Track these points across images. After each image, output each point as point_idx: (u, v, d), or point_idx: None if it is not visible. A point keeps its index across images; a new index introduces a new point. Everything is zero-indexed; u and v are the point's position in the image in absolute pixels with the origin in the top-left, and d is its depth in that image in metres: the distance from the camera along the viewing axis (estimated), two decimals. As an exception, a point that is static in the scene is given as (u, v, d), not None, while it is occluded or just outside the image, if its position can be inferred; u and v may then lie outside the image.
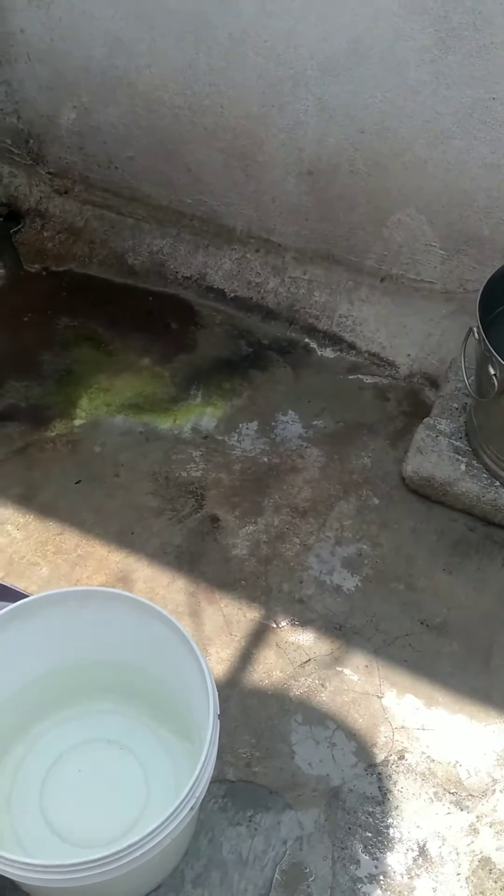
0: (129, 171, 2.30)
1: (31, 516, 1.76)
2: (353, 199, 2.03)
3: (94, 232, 2.41)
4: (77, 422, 1.96)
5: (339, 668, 1.56)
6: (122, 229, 2.40)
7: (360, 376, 2.11)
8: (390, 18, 1.71)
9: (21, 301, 2.27)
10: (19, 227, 2.44)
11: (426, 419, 1.88)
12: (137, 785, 1.31)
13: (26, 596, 1.52)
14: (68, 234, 2.42)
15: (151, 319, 2.24)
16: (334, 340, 2.18)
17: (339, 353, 2.16)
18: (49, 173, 2.43)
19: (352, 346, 2.16)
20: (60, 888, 1.05)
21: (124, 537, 1.74)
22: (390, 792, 1.40)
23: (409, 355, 2.12)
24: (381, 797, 1.39)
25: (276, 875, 1.30)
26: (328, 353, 2.17)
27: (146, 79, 2.07)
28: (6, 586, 1.58)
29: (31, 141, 2.38)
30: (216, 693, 1.14)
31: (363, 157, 1.94)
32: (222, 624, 1.61)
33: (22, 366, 2.09)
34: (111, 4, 1.97)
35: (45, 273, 2.36)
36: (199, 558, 1.71)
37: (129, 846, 1.00)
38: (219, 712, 1.13)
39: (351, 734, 1.47)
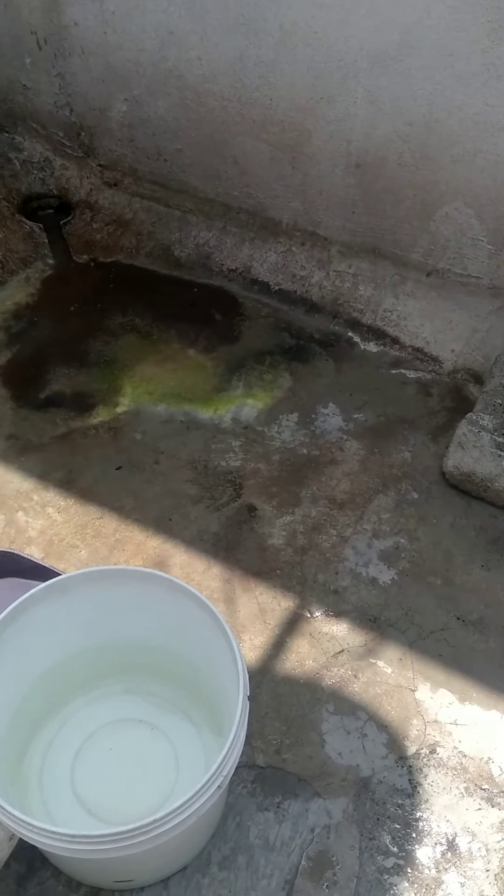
0: (178, 164, 2.32)
1: (72, 500, 1.79)
2: (400, 192, 2.02)
3: (142, 224, 2.44)
4: (119, 409, 1.99)
5: (373, 660, 1.55)
6: (169, 221, 2.42)
7: (403, 371, 2.10)
8: (442, 10, 1.70)
9: (69, 292, 2.30)
10: (69, 218, 2.48)
11: (469, 414, 1.85)
12: (167, 765, 1.32)
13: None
14: (117, 225, 2.45)
15: (196, 310, 2.26)
16: (378, 335, 2.17)
17: (382, 347, 2.15)
18: (99, 165, 2.46)
19: (395, 341, 2.15)
20: (88, 860, 1.06)
21: (162, 523, 1.76)
22: (420, 785, 1.39)
23: (453, 351, 2.10)
24: (410, 790, 1.38)
25: (302, 862, 1.30)
26: (371, 347, 2.16)
27: (196, 71, 2.08)
28: (45, 567, 1.60)
29: (83, 133, 2.42)
30: (246, 673, 1.14)
31: (411, 149, 1.93)
32: (257, 612, 1.61)
33: (68, 354, 2.12)
34: (164, -3, 1.99)
35: (93, 264, 2.40)
36: (235, 546, 1.72)
37: (157, 820, 1.01)
38: (248, 693, 1.13)
39: (382, 726, 1.46)
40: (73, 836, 1.01)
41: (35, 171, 2.51)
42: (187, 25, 2.01)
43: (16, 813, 1.01)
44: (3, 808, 1.03)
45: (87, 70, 2.26)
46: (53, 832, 1.00)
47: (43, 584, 1.24)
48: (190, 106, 2.16)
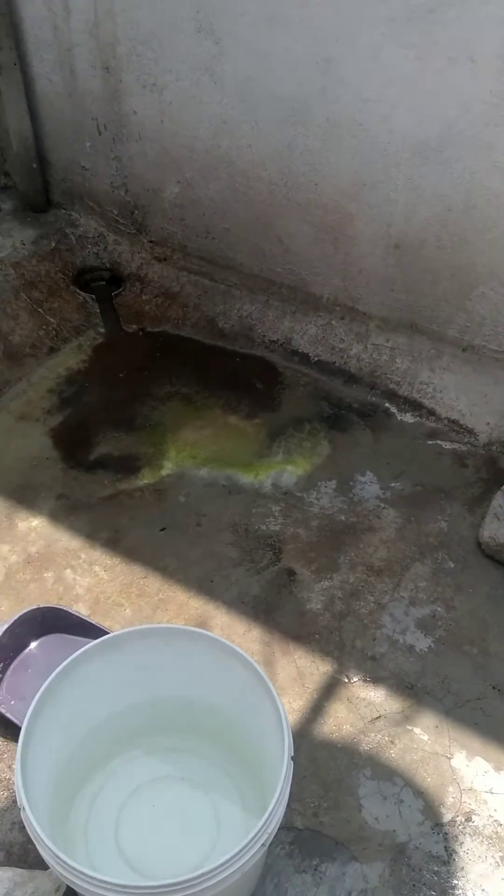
0: (225, 242, 2.45)
1: (118, 559, 1.85)
2: (438, 272, 2.11)
3: (189, 296, 2.56)
4: (164, 472, 2.07)
5: (410, 727, 1.57)
6: (214, 295, 2.54)
7: (438, 442, 2.17)
8: (481, 106, 1.82)
9: (119, 359, 2.42)
10: (120, 290, 2.61)
11: (504, 486, 1.91)
12: (208, 824, 1.35)
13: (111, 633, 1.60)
14: (165, 297, 2.58)
15: (238, 379, 2.35)
16: (414, 406, 2.24)
17: (418, 418, 2.22)
18: (150, 242, 2.60)
19: (431, 413, 2.22)
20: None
21: (204, 584, 1.81)
22: (456, 853, 1.40)
23: (488, 423, 2.16)
24: (446, 857, 1.39)
25: (339, 927, 1.31)
26: (408, 417, 2.23)
27: (246, 157, 2.22)
28: (92, 623, 1.67)
29: (136, 212, 2.56)
30: (290, 735, 1.19)
31: (449, 232, 2.03)
32: (295, 675, 1.65)
33: (116, 418, 2.21)
34: (219, 90, 2.14)
35: (141, 333, 2.51)
36: (274, 609, 1.77)
37: (203, 874, 1.04)
38: (292, 754, 1.17)
39: (419, 792, 1.48)
40: (124, 887, 1.04)
41: (90, 246, 2.65)
42: (240, 116, 2.16)
43: (69, 861, 1.05)
44: (57, 857, 1.07)
45: (143, 154, 2.41)
46: (106, 882, 1.04)
47: (96, 641, 1.30)
48: (239, 189, 2.30)
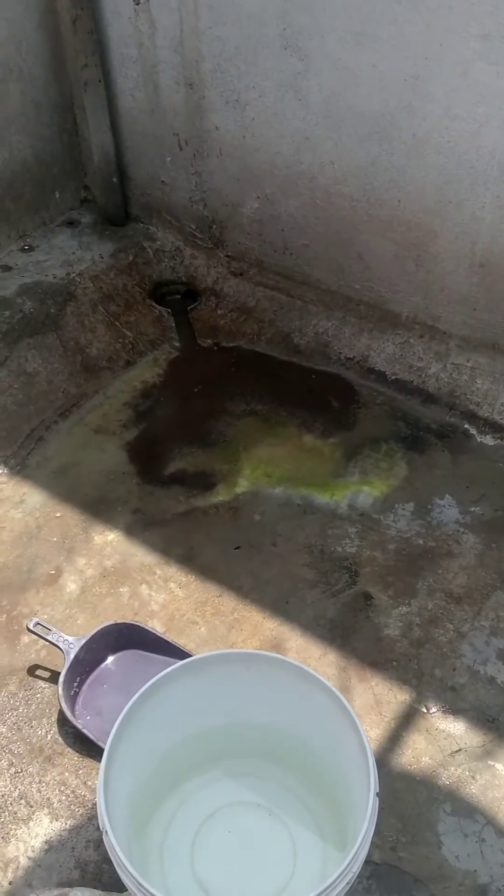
0: (303, 258, 2.43)
1: (193, 576, 1.85)
2: (523, 292, 2.06)
3: (264, 312, 2.55)
4: (239, 489, 2.06)
5: (491, 762, 1.53)
6: (290, 310, 2.53)
7: (520, 466, 2.11)
8: None
9: (194, 373, 2.42)
10: (196, 304, 2.61)
11: None
12: (285, 853, 1.33)
13: (186, 652, 1.60)
14: (240, 312, 2.57)
15: (313, 396, 2.33)
16: (495, 428, 2.19)
17: (499, 440, 2.17)
18: (227, 256, 2.61)
19: (513, 435, 2.17)
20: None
21: (279, 605, 1.79)
22: (541, 899, 1.35)
23: None
24: (531, 903, 1.34)
25: None
26: (488, 440, 2.18)
27: (329, 174, 2.20)
28: (167, 641, 1.66)
29: (214, 227, 2.57)
30: (376, 769, 1.16)
31: (537, 252, 1.99)
32: (372, 703, 1.62)
33: (191, 433, 2.22)
34: (303, 107, 2.13)
35: (216, 348, 2.51)
36: (351, 634, 1.74)
37: (288, 911, 1.02)
38: (378, 790, 1.14)
39: (501, 831, 1.43)
40: (206, 919, 1.03)
41: (166, 260, 2.67)
42: (323, 133, 2.14)
43: (150, 889, 1.04)
44: (139, 883, 1.06)
45: (223, 169, 2.42)
46: (188, 913, 1.03)
47: (179, 664, 1.29)
48: (319, 205, 2.28)
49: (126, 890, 1.26)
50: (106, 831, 1.11)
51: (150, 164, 2.59)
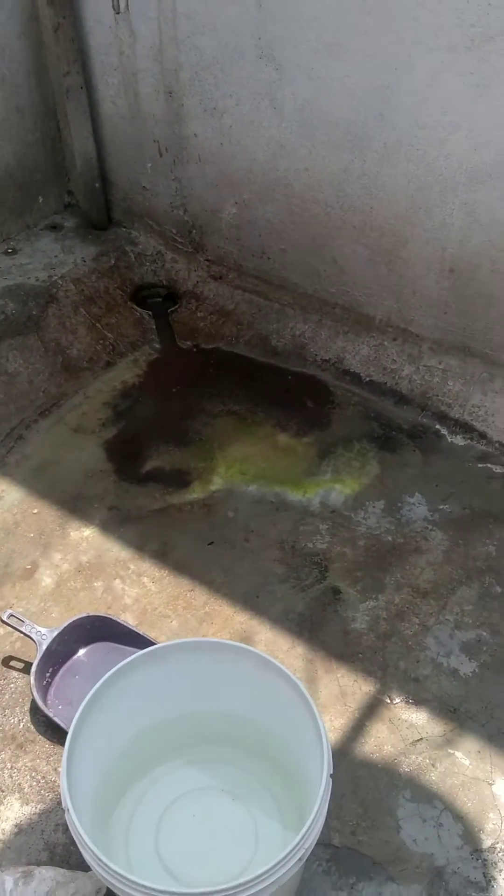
0: (280, 262, 2.48)
1: (166, 571, 1.89)
2: (492, 296, 2.12)
3: (243, 315, 2.60)
4: (214, 487, 2.10)
5: (451, 751, 1.57)
6: (268, 313, 2.58)
7: (489, 465, 2.16)
8: (538, 133, 1.82)
9: (173, 374, 2.47)
10: (176, 307, 2.66)
11: (553, 512, 1.90)
12: (247, 836, 1.37)
13: (156, 644, 1.64)
14: (219, 315, 2.62)
15: (289, 397, 2.38)
16: (465, 429, 2.24)
17: (469, 441, 2.22)
18: (207, 260, 2.66)
19: (483, 436, 2.22)
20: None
21: (249, 600, 1.84)
22: (495, 880, 1.39)
23: (539, 448, 2.15)
24: (485, 884, 1.39)
25: None
26: (458, 440, 2.23)
27: (303, 180, 2.26)
28: (139, 634, 1.71)
29: (194, 231, 2.62)
30: (330, 752, 1.20)
31: (504, 257, 2.04)
32: (337, 694, 1.66)
33: (168, 432, 2.26)
34: (278, 115, 2.19)
35: (195, 349, 2.56)
36: (319, 627, 1.78)
37: (241, 884, 1.06)
38: (332, 772, 1.19)
39: (458, 817, 1.48)
40: (163, 892, 1.07)
41: (148, 264, 2.72)
42: (298, 140, 2.20)
43: (110, 864, 1.08)
44: (99, 859, 1.10)
45: (202, 175, 2.47)
46: (145, 886, 1.07)
47: (144, 651, 1.33)
48: (295, 211, 2.34)
49: (91, 870, 1.30)
50: (67, 809, 1.15)
51: (132, 170, 2.64)
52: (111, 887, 1.12)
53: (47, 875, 1.24)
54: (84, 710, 1.25)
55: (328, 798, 1.17)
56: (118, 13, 2.30)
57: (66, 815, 1.15)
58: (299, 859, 1.12)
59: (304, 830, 1.11)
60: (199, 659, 1.36)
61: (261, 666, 1.32)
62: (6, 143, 2.54)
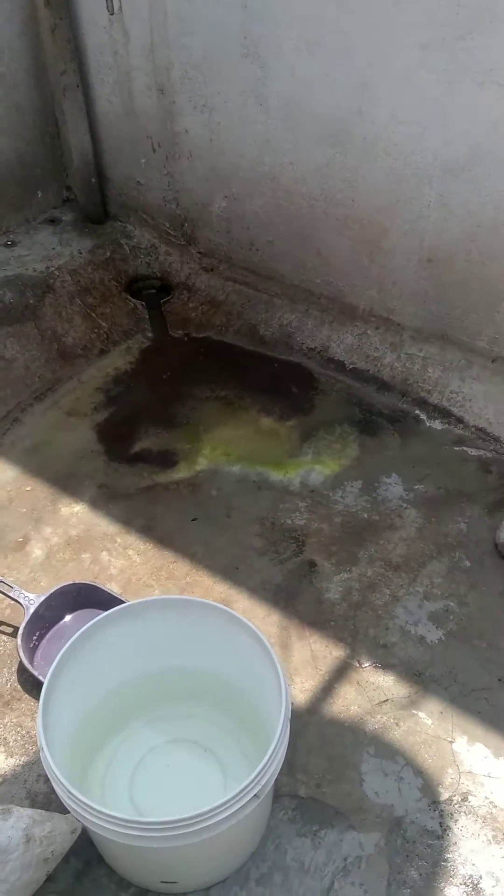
0: (268, 254, 2.57)
1: (151, 544, 1.98)
2: (467, 285, 2.20)
3: (233, 305, 2.69)
4: (199, 467, 2.19)
5: (415, 711, 1.65)
6: (257, 304, 2.67)
7: (465, 448, 2.24)
8: (507, 127, 1.90)
9: (164, 362, 2.56)
10: (169, 297, 2.76)
11: (522, 490, 1.98)
12: (216, 784, 1.46)
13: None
14: (210, 305, 2.72)
15: (275, 383, 2.47)
16: (443, 414, 2.32)
17: (446, 425, 2.30)
18: (199, 253, 2.75)
19: (460, 420, 2.30)
20: (138, 857, 1.21)
21: (229, 571, 1.92)
22: (450, 829, 1.47)
23: (514, 432, 2.23)
24: (440, 832, 1.47)
25: (333, 886, 1.40)
26: (436, 424, 2.31)
27: (289, 174, 2.35)
28: (122, 601, 1.79)
29: (186, 225, 2.72)
30: (289, 699, 1.29)
31: (478, 247, 2.12)
32: (309, 658, 1.75)
33: (158, 416, 2.35)
34: (263, 111, 2.28)
35: (186, 338, 2.65)
36: (294, 597, 1.87)
37: (198, 815, 1.15)
38: (290, 715, 1.27)
39: (419, 771, 1.56)
40: (126, 822, 1.16)
41: (142, 256, 2.81)
42: (283, 135, 2.29)
43: (77, 794, 1.17)
44: (69, 791, 1.19)
45: (193, 170, 2.57)
46: (110, 815, 1.16)
47: (118, 607, 1.43)
48: (281, 204, 2.43)
49: (67, 812, 1.39)
50: (42, 748, 1.24)
51: (127, 166, 2.74)
52: (81, 820, 1.20)
53: (25, 813, 1.33)
54: (61, 658, 1.34)
55: (286, 740, 1.25)
56: (112, 14, 2.40)
57: (40, 753, 1.24)
58: (255, 795, 1.21)
59: (259, 767, 1.20)
60: (170, 616, 1.45)
61: (227, 621, 1.41)
62: (6, 140, 2.64)
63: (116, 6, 2.37)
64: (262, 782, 1.21)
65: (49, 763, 1.22)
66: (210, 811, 1.16)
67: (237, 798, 1.18)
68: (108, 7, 2.38)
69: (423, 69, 1.94)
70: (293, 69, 2.15)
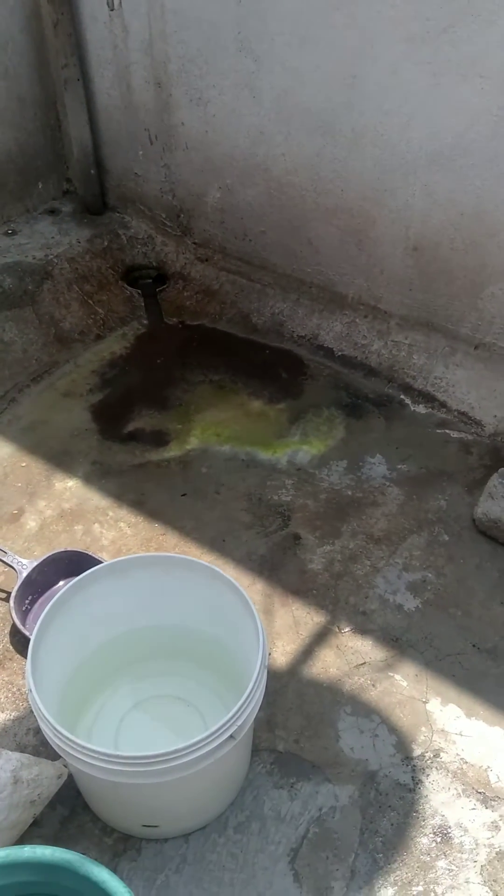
0: (261, 244, 2.65)
1: (141, 518, 2.05)
2: (452, 273, 2.27)
3: (227, 294, 2.77)
4: (190, 446, 2.26)
5: (391, 674, 1.72)
6: (249, 293, 2.74)
7: (447, 431, 2.31)
8: (489, 119, 1.98)
9: (158, 347, 2.63)
10: (164, 286, 2.83)
11: (501, 469, 2.04)
12: (197, 735, 1.52)
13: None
14: (204, 294, 2.79)
15: (266, 369, 2.54)
16: (427, 398, 2.39)
17: (430, 409, 2.37)
18: (194, 243, 2.83)
19: (443, 405, 2.37)
20: (121, 799, 1.27)
21: (216, 543, 1.99)
22: (422, 783, 1.53)
23: (495, 416, 2.30)
24: (412, 786, 1.53)
25: (308, 834, 1.46)
26: (420, 408, 2.38)
27: (280, 165, 2.42)
28: (112, 568, 1.86)
29: (182, 216, 2.79)
30: (266, 644, 1.35)
31: (462, 236, 2.19)
32: (291, 623, 1.81)
33: (151, 398, 2.42)
34: (257, 104, 2.36)
35: (181, 326, 2.73)
36: (278, 568, 1.94)
37: (174, 751, 1.21)
38: (266, 664, 1.34)
39: (393, 729, 1.62)
40: (108, 756, 1.22)
41: (139, 246, 2.89)
42: (275, 127, 2.37)
43: (62, 730, 1.24)
44: (56, 730, 1.25)
45: (189, 162, 2.64)
46: (91, 750, 1.22)
47: (105, 563, 1.49)
48: (273, 195, 2.50)
49: (57, 758, 1.46)
50: (30, 689, 1.30)
51: (125, 158, 2.82)
52: (66, 756, 1.27)
53: (13, 756, 1.39)
54: (50, 609, 1.41)
55: (263, 684, 1.32)
56: (112, 10, 2.48)
57: (28, 695, 1.31)
58: (231, 736, 1.27)
59: (236, 708, 1.26)
60: (156, 574, 1.52)
61: (210, 578, 1.48)
62: (9, 131, 2.72)
63: (116, 2, 2.45)
64: (238, 723, 1.27)
65: (37, 702, 1.28)
66: (187, 747, 1.23)
67: (214, 736, 1.25)
68: (108, 3, 2.47)
69: (409, 62, 2.02)
70: (285, 62, 2.23)
